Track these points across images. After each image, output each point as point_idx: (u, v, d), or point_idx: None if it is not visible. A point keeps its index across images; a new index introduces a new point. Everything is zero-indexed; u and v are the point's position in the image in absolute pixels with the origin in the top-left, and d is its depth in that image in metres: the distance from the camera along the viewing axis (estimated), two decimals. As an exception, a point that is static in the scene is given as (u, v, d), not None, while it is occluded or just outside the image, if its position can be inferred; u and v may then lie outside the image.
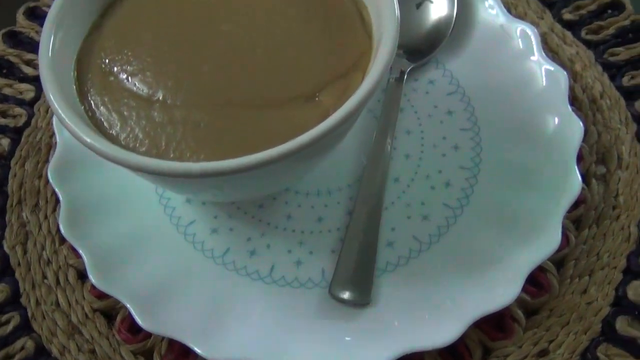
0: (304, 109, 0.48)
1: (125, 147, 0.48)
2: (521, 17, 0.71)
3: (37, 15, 0.76)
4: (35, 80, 0.71)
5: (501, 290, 0.52)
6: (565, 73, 0.60)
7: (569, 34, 0.69)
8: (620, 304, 0.55)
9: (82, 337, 0.56)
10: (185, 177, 0.45)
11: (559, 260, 0.57)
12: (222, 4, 0.53)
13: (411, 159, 0.60)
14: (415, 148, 0.61)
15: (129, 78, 0.50)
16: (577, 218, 0.59)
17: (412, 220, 0.57)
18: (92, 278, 0.54)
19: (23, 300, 0.58)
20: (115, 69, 0.51)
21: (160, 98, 0.49)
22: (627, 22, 0.69)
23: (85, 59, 0.52)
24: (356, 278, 0.54)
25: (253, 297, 0.55)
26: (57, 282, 0.58)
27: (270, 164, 0.43)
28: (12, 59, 0.73)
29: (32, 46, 0.73)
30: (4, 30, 0.75)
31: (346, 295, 0.53)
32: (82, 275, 0.58)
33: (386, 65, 0.46)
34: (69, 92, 0.50)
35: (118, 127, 0.49)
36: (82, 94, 0.51)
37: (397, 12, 0.49)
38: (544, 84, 0.60)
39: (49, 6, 0.72)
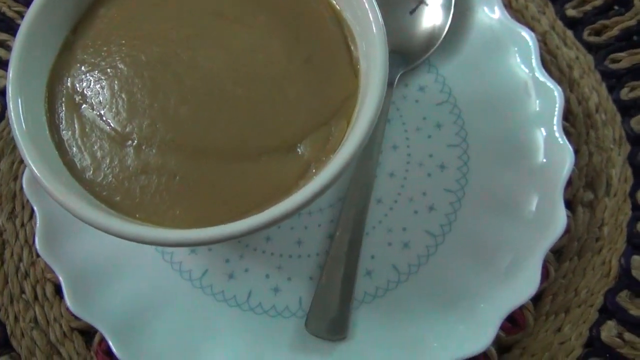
0: (284, 161, 0.47)
1: (99, 194, 0.46)
2: (522, 11, 0.67)
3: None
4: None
5: (477, 333, 0.52)
6: (561, 92, 0.57)
7: (570, 33, 0.66)
8: (593, 345, 0.56)
9: (61, 357, 0.57)
10: (159, 245, 0.44)
11: (537, 294, 0.57)
12: (201, 34, 0.50)
13: (395, 178, 0.59)
14: (400, 166, 0.59)
15: (102, 115, 0.48)
16: (559, 248, 0.58)
17: (392, 248, 0.57)
18: (69, 303, 0.54)
19: (2, 315, 0.58)
20: (87, 102, 0.49)
21: (135, 142, 0.47)
22: (633, 22, 0.65)
23: (56, 87, 0.50)
24: (333, 312, 0.54)
25: (230, 325, 0.55)
26: (35, 297, 0.59)
27: (247, 234, 0.43)
28: (-18, 38, 0.69)
29: (5, 24, 0.68)
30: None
31: (322, 329, 0.54)
32: (60, 290, 0.57)
33: (374, 116, 0.45)
34: (39, 125, 0.48)
35: (91, 172, 0.47)
36: (54, 126, 0.49)
37: (386, 49, 0.46)
38: (539, 103, 0.58)
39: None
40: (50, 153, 0.47)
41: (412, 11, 0.62)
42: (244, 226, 0.42)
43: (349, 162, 0.43)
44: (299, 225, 0.58)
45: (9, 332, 0.57)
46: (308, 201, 0.43)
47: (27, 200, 0.61)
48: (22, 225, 0.61)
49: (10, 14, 0.69)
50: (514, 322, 0.56)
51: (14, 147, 0.63)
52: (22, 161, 0.63)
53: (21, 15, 0.68)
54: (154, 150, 0.47)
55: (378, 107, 0.45)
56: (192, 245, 0.43)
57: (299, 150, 0.47)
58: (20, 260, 0.60)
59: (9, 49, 0.67)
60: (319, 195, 0.43)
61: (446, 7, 0.61)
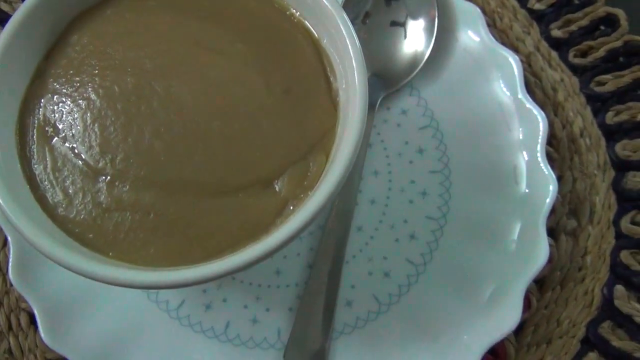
0: (261, 197, 0.46)
1: (71, 231, 0.45)
2: (506, 31, 0.66)
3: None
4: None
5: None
6: (545, 120, 0.56)
7: (555, 54, 0.65)
8: (575, 377, 0.55)
9: (35, 389, 0.56)
10: (131, 287, 0.43)
11: (518, 324, 0.56)
12: (177, 64, 0.49)
13: (376, 205, 0.58)
14: (381, 192, 0.58)
15: (75, 149, 0.47)
16: (541, 277, 0.58)
17: (373, 277, 0.56)
18: (43, 335, 0.53)
19: (-25, 346, 0.57)
20: (59, 135, 0.47)
21: (108, 178, 0.46)
22: (619, 43, 0.64)
23: (28, 118, 0.48)
24: (312, 344, 0.53)
25: (207, 356, 0.54)
26: (10, 327, 0.57)
27: (223, 276, 0.42)
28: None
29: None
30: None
31: (301, 362, 0.53)
32: (35, 319, 0.56)
33: (354, 153, 0.43)
34: (10, 158, 0.47)
35: (63, 208, 0.46)
36: (25, 160, 0.47)
37: (366, 81, 0.45)
38: (523, 130, 0.57)
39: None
40: (21, 188, 0.46)
41: (392, 24, 0.61)
42: (219, 268, 0.41)
43: (327, 201, 0.42)
44: (277, 254, 0.56)
45: (-18, 364, 0.57)
46: (286, 242, 0.42)
47: (0, 227, 0.60)
48: (-5, 253, 0.60)
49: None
50: (494, 353, 0.56)
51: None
52: (-5, 186, 0.61)
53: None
54: (127, 186, 0.45)
55: (357, 144, 0.44)
56: (166, 288, 0.42)
57: (276, 186, 0.46)
58: (-6, 289, 0.59)
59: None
60: (297, 235, 0.42)
61: (429, 29, 0.60)
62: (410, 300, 0.55)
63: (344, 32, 0.47)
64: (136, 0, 0.51)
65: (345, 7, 0.60)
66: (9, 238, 0.55)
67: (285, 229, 0.42)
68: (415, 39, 0.60)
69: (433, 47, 0.60)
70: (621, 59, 0.64)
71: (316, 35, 0.50)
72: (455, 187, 0.58)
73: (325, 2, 0.47)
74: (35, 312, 0.53)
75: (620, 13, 0.65)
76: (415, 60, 0.60)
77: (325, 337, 0.53)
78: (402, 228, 0.57)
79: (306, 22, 0.50)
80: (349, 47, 0.46)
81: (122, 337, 0.54)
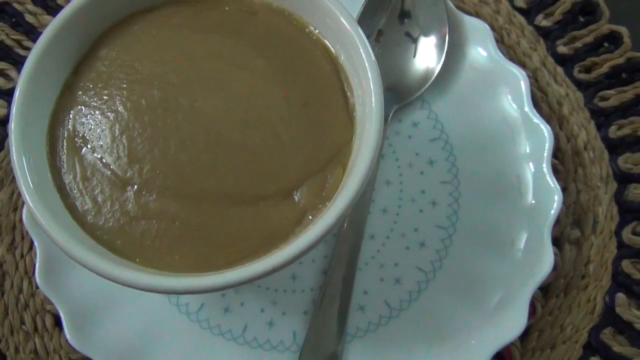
0: (281, 207, 0.48)
1: (100, 238, 0.47)
2: (514, 47, 0.68)
3: (7, 13, 0.71)
4: (9, 95, 0.67)
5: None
6: (551, 134, 0.58)
7: (560, 70, 0.67)
8: (577, 381, 0.58)
9: (60, 389, 0.58)
10: (155, 292, 0.45)
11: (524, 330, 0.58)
12: (201, 78, 0.51)
13: (388, 214, 0.60)
14: (393, 202, 0.61)
15: (103, 159, 0.49)
16: (546, 285, 0.60)
17: (384, 283, 0.58)
18: (69, 337, 0.55)
19: (2, 346, 0.59)
20: (88, 146, 0.49)
21: (135, 187, 0.48)
22: (622, 60, 0.66)
23: (58, 129, 0.50)
24: (326, 347, 0.55)
25: (225, 358, 0.56)
26: (35, 328, 0.60)
27: (244, 283, 0.44)
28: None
29: (4, 52, 0.69)
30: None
31: (315, 365, 0.55)
32: (59, 321, 0.59)
33: (370, 167, 0.45)
34: (41, 168, 0.49)
35: (92, 216, 0.48)
36: (55, 170, 0.50)
37: (382, 97, 0.48)
38: (529, 143, 0.59)
39: (19, 2, 0.69)
40: (52, 196, 0.48)
41: (405, 38, 0.63)
42: (241, 275, 0.43)
43: (345, 212, 0.44)
44: (293, 261, 0.59)
45: (9, 363, 0.59)
46: (305, 250, 0.44)
47: (27, 231, 0.62)
48: (22, 256, 0.62)
49: (8, 42, 0.69)
50: (500, 357, 0.58)
51: (14, 178, 0.64)
52: (22, 192, 0.64)
53: (19, 43, 0.69)
54: (153, 196, 0.48)
55: (373, 157, 0.46)
56: (190, 293, 0.44)
57: (295, 197, 0.48)
58: (21, 291, 0.61)
59: (7, 77, 0.68)
60: (316, 244, 0.44)
61: (439, 46, 0.63)
62: (420, 305, 0.57)
63: (360, 49, 0.49)
64: (162, 17, 0.54)
65: (359, 24, 0.62)
66: (36, 243, 0.57)
67: (305, 238, 0.44)
68: (426, 54, 0.63)
69: (443, 62, 0.63)
70: (624, 75, 0.67)
71: (334, 52, 0.52)
72: (464, 197, 0.60)
73: (343, 20, 0.50)
74: (61, 313, 0.56)
75: (623, 31, 0.68)
76: (426, 75, 0.63)
77: (339, 340, 0.55)
78: (413, 236, 0.60)
79: (324, 40, 0.52)
80: (366, 63, 0.48)
81: (144, 339, 0.56)
